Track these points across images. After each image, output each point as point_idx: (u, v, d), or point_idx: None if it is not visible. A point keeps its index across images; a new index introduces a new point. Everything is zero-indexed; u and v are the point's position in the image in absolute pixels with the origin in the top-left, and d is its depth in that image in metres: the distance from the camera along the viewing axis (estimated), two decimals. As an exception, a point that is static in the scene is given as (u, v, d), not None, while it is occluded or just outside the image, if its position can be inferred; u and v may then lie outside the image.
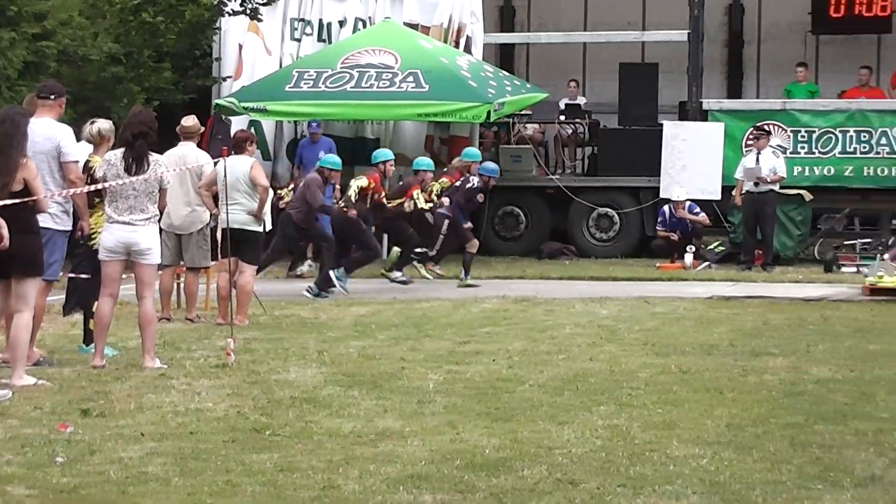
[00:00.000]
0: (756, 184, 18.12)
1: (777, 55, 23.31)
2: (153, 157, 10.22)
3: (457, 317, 13.81)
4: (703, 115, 20.32)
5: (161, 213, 10.99)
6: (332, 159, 15.80)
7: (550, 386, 9.41)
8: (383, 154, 16.23)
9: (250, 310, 13.15)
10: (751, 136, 18.68)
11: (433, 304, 15.07)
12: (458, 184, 16.81)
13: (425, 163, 16.91)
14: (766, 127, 18.87)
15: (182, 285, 14.09)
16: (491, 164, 16.51)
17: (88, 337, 10.81)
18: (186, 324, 13.19)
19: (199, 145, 14.41)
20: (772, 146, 19.20)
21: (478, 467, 6.89)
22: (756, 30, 23.63)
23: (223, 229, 13.19)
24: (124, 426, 8.02)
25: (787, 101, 20.52)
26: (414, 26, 21.23)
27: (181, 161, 13.09)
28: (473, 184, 16.69)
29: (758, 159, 18.42)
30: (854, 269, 17.33)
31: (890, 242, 17.05)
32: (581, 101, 21.69)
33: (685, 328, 12.80)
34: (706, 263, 18.86)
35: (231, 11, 20.43)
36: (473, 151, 17.20)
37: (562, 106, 21.53)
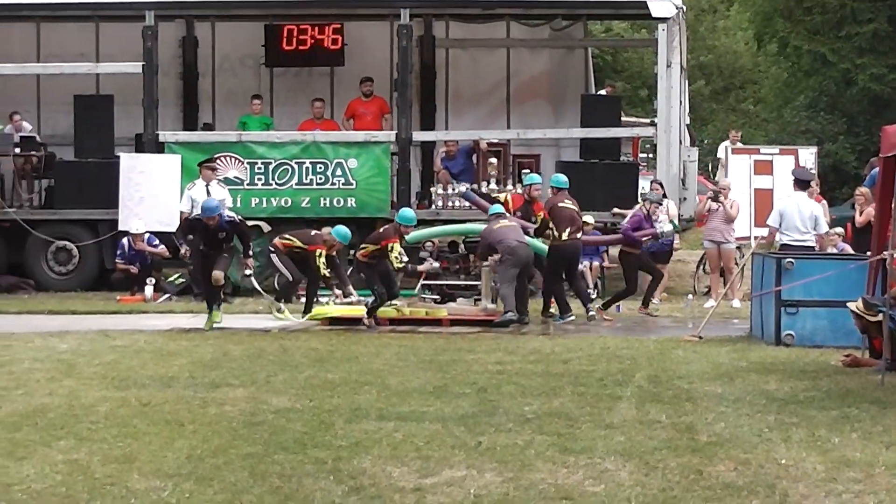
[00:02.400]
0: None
1: (232, 87, 23.46)
2: None
3: None
4: (160, 147, 20.29)
5: None
6: None
7: (8, 422, 9.01)
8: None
9: None
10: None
11: None
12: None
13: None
14: (217, 160, 19.21)
15: None
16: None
17: None
18: None
19: None
20: (218, 178, 19.44)
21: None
22: (210, 62, 23.60)
23: None
24: None
25: (244, 133, 20.73)
26: None
27: None
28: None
29: (208, 191, 18.52)
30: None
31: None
32: (28, 129, 21.12)
33: (145, 360, 12.70)
34: (167, 296, 18.91)
35: None
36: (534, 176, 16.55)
37: (16, 138, 20.69)
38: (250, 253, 15.09)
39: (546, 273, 16.41)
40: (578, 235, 16.63)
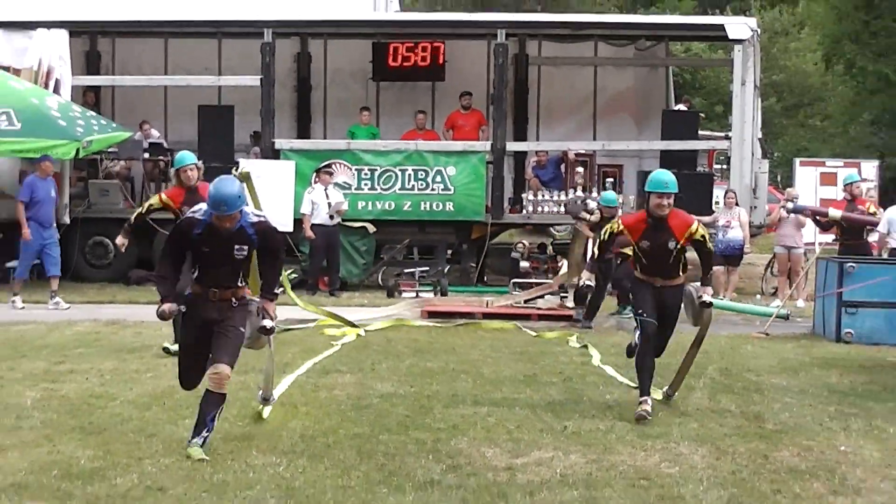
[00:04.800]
0: (331, 217, 18.55)
1: (341, 99, 23.69)
2: None
3: (51, 339, 13.40)
4: (276, 154, 20.56)
5: None
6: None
7: (140, 402, 9.32)
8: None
9: None
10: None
11: (29, 326, 14.50)
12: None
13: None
14: (331, 166, 19.33)
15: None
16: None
17: None
18: None
19: None
20: (337, 182, 19.60)
21: (73, 476, 6.80)
22: (322, 76, 23.86)
23: None
24: None
25: (352, 141, 20.94)
26: (6, 68, 20.42)
27: None
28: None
29: (326, 195, 18.70)
30: (413, 294, 17.85)
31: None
32: (156, 136, 21.73)
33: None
34: (280, 290, 18.76)
35: None
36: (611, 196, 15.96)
37: (145, 144, 21.45)
38: (276, 290, 7.76)
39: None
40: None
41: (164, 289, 7.25)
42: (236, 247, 7.13)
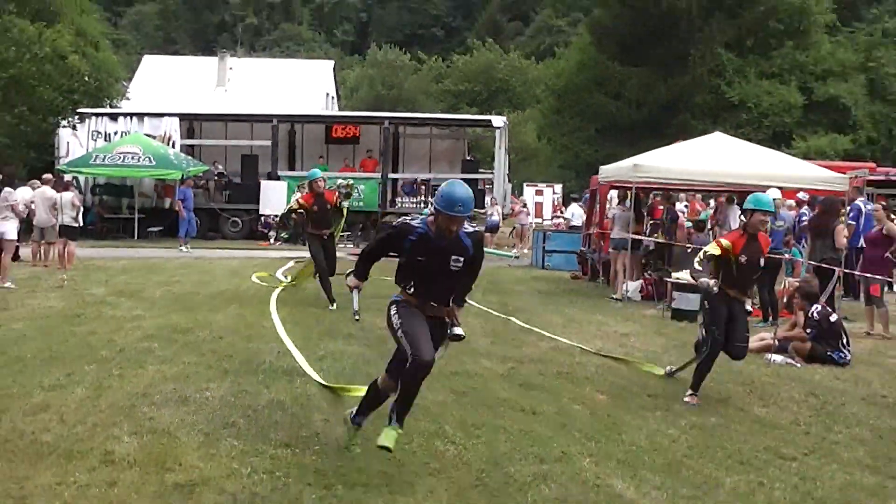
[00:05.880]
0: None
1: (310, 152, 33.68)
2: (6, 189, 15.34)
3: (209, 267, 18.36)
4: (278, 178, 30.80)
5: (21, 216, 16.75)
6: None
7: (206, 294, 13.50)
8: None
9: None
10: None
11: (198, 261, 20.48)
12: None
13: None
14: None
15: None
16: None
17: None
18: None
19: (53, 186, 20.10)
20: None
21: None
22: (301, 140, 34.41)
23: (61, 225, 19.70)
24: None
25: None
26: (150, 136, 31.29)
27: (43, 192, 19.65)
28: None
29: None
30: (342, 245, 21.71)
31: None
32: (220, 168, 32.21)
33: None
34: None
35: (63, 124, 30.49)
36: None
37: (216, 172, 32.13)
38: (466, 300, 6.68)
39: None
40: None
41: (357, 273, 6.75)
42: (452, 258, 6.25)
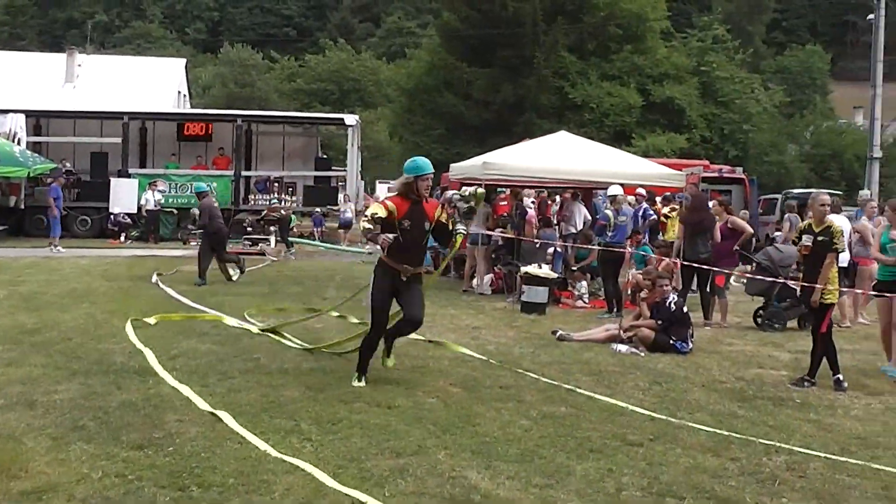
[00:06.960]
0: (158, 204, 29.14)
1: (162, 150, 33.82)
2: None
3: None
4: (129, 175, 30.74)
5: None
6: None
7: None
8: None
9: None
10: None
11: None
12: None
13: None
14: None
15: None
16: None
17: None
18: None
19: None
20: (159, 189, 29.36)
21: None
22: (153, 138, 34.13)
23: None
24: None
25: (167, 170, 31.14)
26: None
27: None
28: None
29: (153, 194, 28.80)
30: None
31: None
32: (67, 166, 30.96)
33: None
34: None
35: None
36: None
37: (63, 170, 31.04)
38: None
39: None
40: None
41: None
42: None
